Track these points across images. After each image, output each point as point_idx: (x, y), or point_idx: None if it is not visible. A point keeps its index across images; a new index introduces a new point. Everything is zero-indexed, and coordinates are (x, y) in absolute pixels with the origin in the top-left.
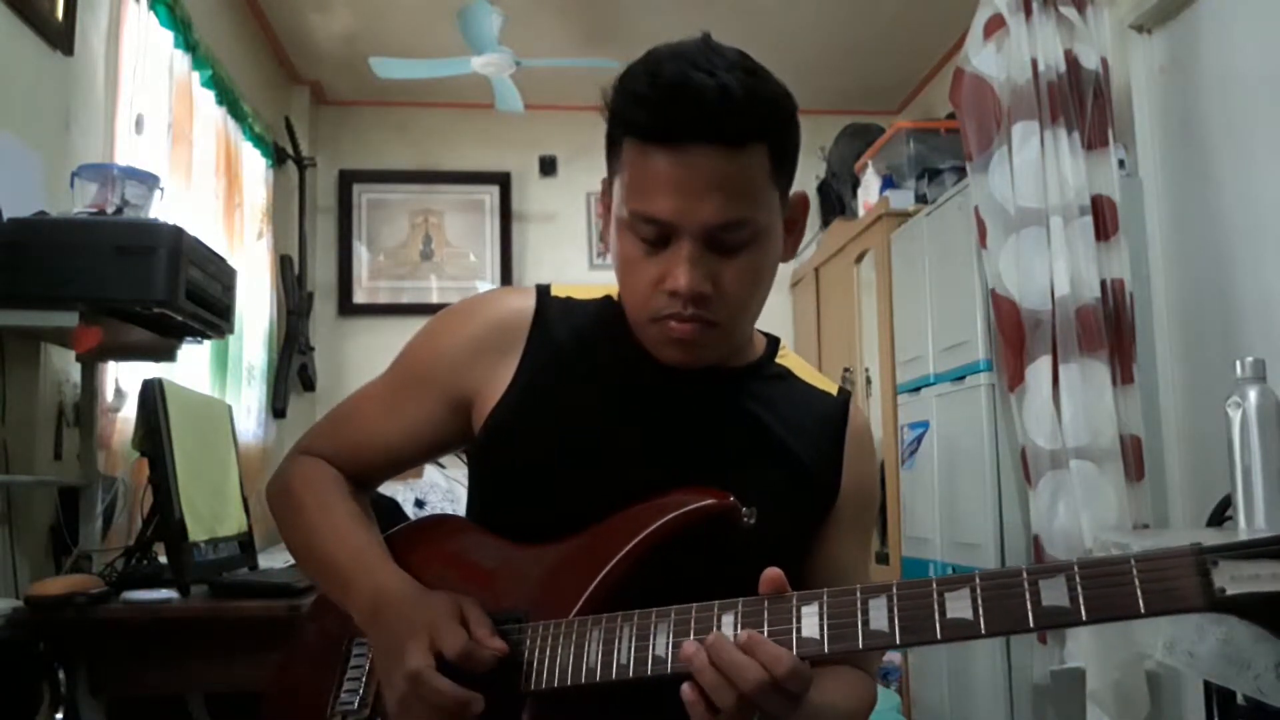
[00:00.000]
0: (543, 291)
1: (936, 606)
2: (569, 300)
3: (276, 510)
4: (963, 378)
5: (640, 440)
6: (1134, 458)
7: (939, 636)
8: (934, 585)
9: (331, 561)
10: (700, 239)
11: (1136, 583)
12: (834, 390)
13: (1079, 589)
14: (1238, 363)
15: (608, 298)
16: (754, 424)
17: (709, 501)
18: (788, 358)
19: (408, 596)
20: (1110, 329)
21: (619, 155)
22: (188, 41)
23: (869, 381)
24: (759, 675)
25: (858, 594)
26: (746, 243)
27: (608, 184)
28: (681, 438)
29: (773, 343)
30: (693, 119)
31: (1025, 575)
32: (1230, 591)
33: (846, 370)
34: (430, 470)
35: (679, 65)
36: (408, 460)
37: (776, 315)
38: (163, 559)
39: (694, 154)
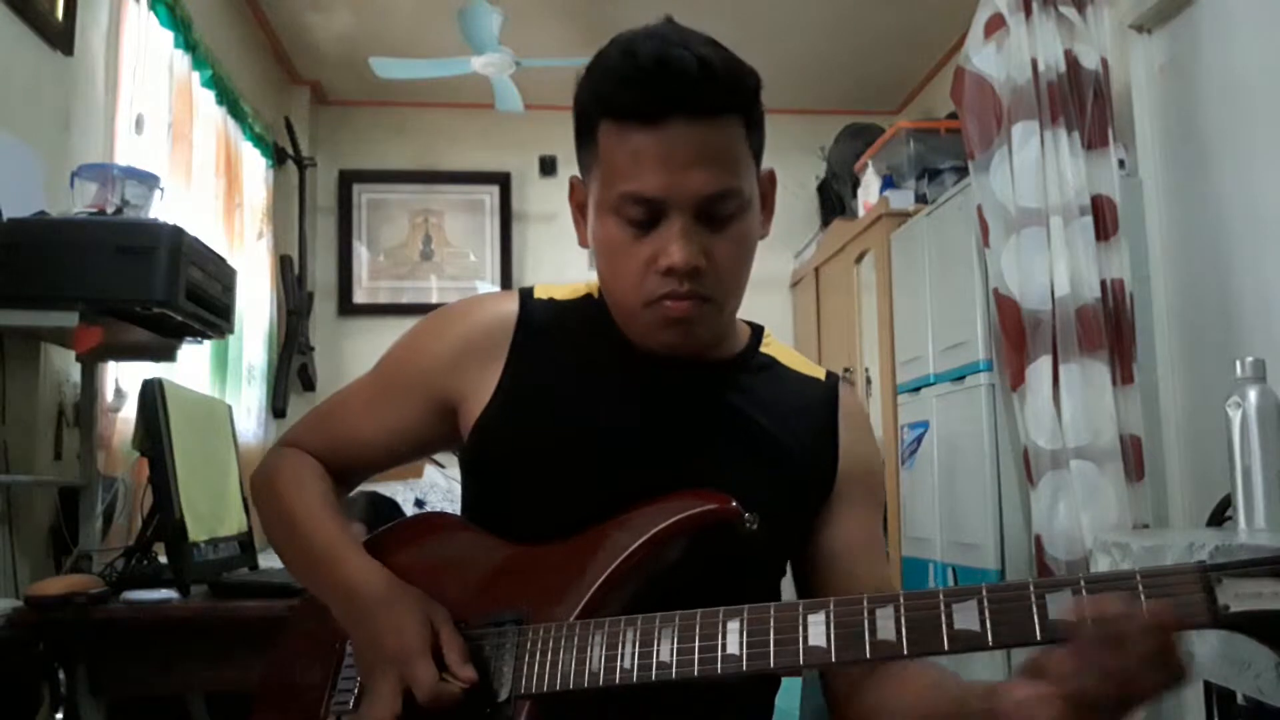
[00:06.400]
0: (525, 294)
1: (944, 617)
2: (551, 301)
3: (259, 501)
4: (963, 378)
5: (630, 438)
6: (1134, 458)
7: (945, 647)
8: (941, 596)
9: (309, 550)
10: (690, 213)
11: (1143, 599)
12: (822, 375)
13: None
14: (1238, 363)
15: (588, 295)
16: (744, 421)
17: (711, 506)
18: (772, 346)
19: (379, 595)
20: (1110, 329)
21: (594, 144)
22: (188, 41)
23: (869, 381)
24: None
25: (864, 603)
26: (734, 214)
27: (578, 180)
28: (672, 436)
29: (757, 332)
30: (675, 93)
31: (1032, 588)
32: (1234, 609)
33: (846, 370)
34: (430, 470)
35: (655, 44)
36: (389, 460)
37: (776, 315)
38: (163, 559)
39: (676, 128)
